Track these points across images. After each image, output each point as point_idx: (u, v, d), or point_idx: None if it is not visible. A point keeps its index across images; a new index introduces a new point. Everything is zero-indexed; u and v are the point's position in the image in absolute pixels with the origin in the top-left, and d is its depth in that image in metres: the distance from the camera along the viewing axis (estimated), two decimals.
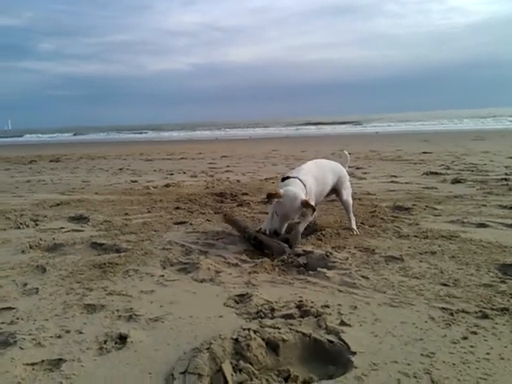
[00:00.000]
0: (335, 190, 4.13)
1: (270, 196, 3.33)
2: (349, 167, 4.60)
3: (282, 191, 3.32)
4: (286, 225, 3.41)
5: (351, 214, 4.07)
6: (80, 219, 4.78)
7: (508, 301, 2.17)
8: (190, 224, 4.34)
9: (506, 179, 6.86)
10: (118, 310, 2.20)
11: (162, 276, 2.73)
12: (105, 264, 3.00)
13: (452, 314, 2.04)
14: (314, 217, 3.87)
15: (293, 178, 3.57)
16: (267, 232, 3.45)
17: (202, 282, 2.63)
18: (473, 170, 8.33)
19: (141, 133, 48.88)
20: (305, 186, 3.50)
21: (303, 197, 3.31)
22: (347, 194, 4.16)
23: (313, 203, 3.51)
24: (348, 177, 4.28)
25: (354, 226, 3.95)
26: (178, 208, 5.35)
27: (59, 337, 1.96)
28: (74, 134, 48.78)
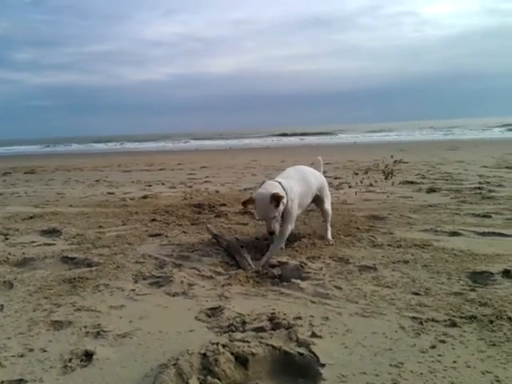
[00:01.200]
0: (317, 198, 4.11)
1: (245, 203, 3.44)
2: (326, 177, 4.61)
3: (253, 195, 3.44)
4: (276, 223, 3.38)
5: (329, 224, 4.09)
6: (52, 233, 4.67)
7: (476, 308, 2.21)
8: (166, 236, 4.28)
9: (479, 188, 7.01)
10: (85, 327, 2.14)
11: (133, 290, 2.68)
12: (75, 279, 2.92)
13: (422, 323, 2.05)
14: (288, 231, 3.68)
15: (270, 180, 3.63)
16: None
17: (174, 295, 2.59)
18: (447, 179, 8.50)
19: (122, 143, 48.37)
20: (283, 187, 3.49)
21: (273, 191, 3.31)
22: (328, 203, 4.18)
23: (292, 216, 3.56)
24: (327, 184, 4.30)
25: (330, 237, 3.96)
26: (154, 220, 5.27)
27: (22, 356, 1.90)
28: (47, 146, 47.84)
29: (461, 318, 2.10)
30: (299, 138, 42.77)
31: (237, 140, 45.37)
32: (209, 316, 2.24)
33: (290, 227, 3.61)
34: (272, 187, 3.42)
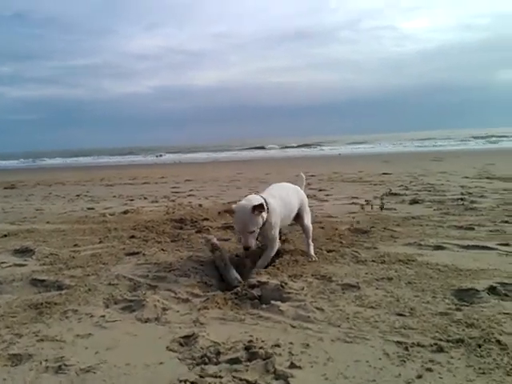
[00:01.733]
0: (297, 215, 4.07)
1: (226, 211, 3.53)
2: (310, 189, 4.54)
3: (233, 206, 3.39)
4: (253, 239, 3.28)
5: (310, 240, 4.00)
6: (25, 252, 4.45)
7: (463, 330, 2.10)
8: (143, 255, 4.10)
9: (461, 199, 7.01)
10: (46, 360, 1.96)
11: (103, 316, 2.51)
12: (42, 304, 2.74)
13: (407, 349, 1.94)
14: (277, 245, 3.71)
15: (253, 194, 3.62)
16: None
17: (146, 321, 2.42)
18: (430, 191, 8.50)
19: (111, 158, 47.83)
20: (265, 201, 3.43)
21: (255, 203, 3.26)
22: (308, 219, 4.12)
23: (275, 231, 3.53)
24: (307, 200, 4.24)
25: (312, 253, 3.86)
26: (132, 237, 5.09)
27: None
28: (29, 160, 46.94)
29: (448, 341, 1.99)
30: (283, 151, 42.94)
31: (222, 153, 45.32)
32: (181, 345, 2.09)
33: (276, 241, 3.61)
34: (254, 199, 3.39)
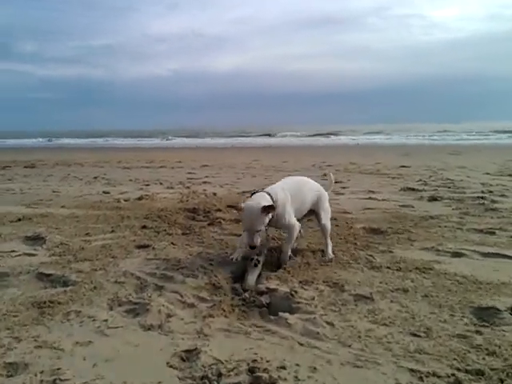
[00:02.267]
0: (313, 212, 3.96)
1: (235, 208, 3.48)
2: (326, 181, 4.40)
3: (242, 205, 3.34)
4: (258, 237, 3.28)
5: (328, 240, 3.91)
6: (36, 240, 4.45)
7: (483, 359, 1.96)
8: (153, 248, 4.05)
9: (482, 197, 6.78)
10: (41, 372, 1.90)
11: (106, 321, 2.44)
12: (45, 303, 2.68)
13: (422, 379, 1.81)
14: (299, 234, 3.79)
15: (260, 191, 3.55)
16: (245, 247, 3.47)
17: (148, 329, 2.35)
18: (450, 187, 8.25)
19: (133, 138, 48.19)
20: (272, 198, 3.42)
21: (264, 203, 3.25)
22: (326, 218, 3.97)
23: (289, 217, 3.49)
24: (328, 198, 4.11)
25: (330, 252, 3.79)
26: (144, 227, 5.05)
27: None
28: (49, 140, 47.55)
29: (466, 372, 1.85)
30: (300, 139, 42.48)
31: (239, 138, 45.10)
32: (183, 360, 2.00)
33: (294, 225, 3.58)
34: (263, 199, 3.35)
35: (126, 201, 7.18)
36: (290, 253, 3.61)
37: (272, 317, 2.49)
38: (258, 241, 3.27)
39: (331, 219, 5.31)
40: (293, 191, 3.68)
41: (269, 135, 49.34)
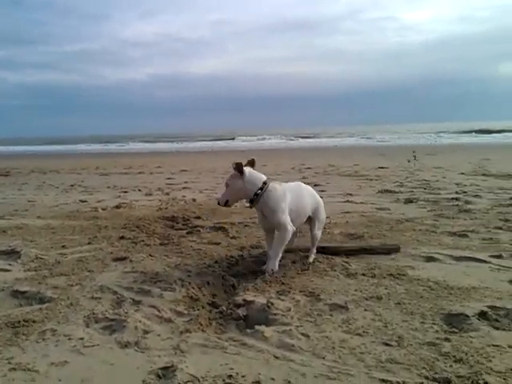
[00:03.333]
0: (310, 219, 3.94)
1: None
2: (306, 183, 4.40)
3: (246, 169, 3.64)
4: (224, 197, 3.66)
5: (314, 249, 3.96)
6: (11, 254, 4.37)
7: (451, 366, 2.03)
8: (130, 261, 4.02)
9: (456, 199, 6.98)
10: None
11: (82, 339, 2.42)
12: (19, 322, 2.64)
13: None
14: (290, 237, 3.60)
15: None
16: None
17: (125, 346, 2.34)
18: (425, 188, 8.45)
19: (107, 143, 47.53)
20: (265, 182, 3.64)
21: (248, 170, 3.64)
22: (319, 228, 3.99)
23: (282, 215, 3.51)
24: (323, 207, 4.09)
25: (311, 260, 3.84)
26: (122, 238, 5.02)
27: None
28: (26, 146, 46.58)
29: (434, 380, 1.91)
30: (280, 141, 42.76)
31: (219, 142, 45.08)
32: (159, 377, 2.01)
33: (285, 227, 3.51)
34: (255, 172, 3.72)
35: (103, 209, 7.12)
36: (278, 260, 3.54)
37: (248, 330, 2.51)
38: (220, 198, 3.67)
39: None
40: (293, 192, 3.69)
41: (232, 139, 49.53)
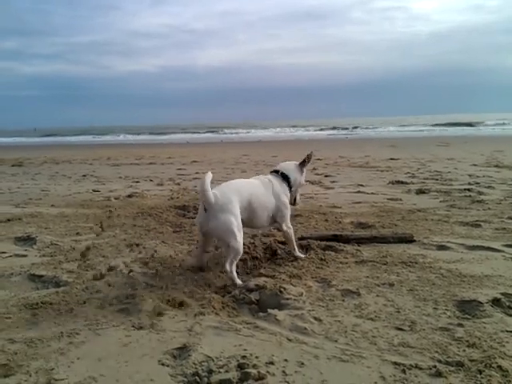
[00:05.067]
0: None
1: None
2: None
3: None
4: None
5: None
6: (27, 240, 4.46)
7: (464, 351, 2.04)
8: (144, 247, 4.08)
9: (468, 189, 6.92)
10: (36, 372, 1.93)
11: (97, 321, 2.48)
12: (37, 304, 2.71)
13: (404, 372, 1.88)
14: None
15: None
16: None
17: (140, 328, 2.39)
18: (437, 179, 8.38)
19: (118, 135, 47.83)
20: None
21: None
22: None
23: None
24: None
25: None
26: (135, 225, 5.08)
27: None
28: (37, 136, 47.13)
29: (447, 363, 1.93)
30: (291, 132, 42.65)
31: (228, 133, 45.08)
32: (174, 358, 2.05)
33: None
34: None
35: (116, 199, 7.19)
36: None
37: (261, 313, 2.55)
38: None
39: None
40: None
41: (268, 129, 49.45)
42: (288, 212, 3.62)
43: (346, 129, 44.43)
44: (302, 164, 3.80)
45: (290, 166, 3.79)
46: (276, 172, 3.74)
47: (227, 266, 3.00)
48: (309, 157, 3.79)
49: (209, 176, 3.12)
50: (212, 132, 48.54)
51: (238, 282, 2.98)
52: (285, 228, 3.56)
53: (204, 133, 48.30)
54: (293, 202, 3.78)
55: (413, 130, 38.66)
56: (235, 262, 3.08)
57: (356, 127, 45.56)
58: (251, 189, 3.42)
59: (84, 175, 11.24)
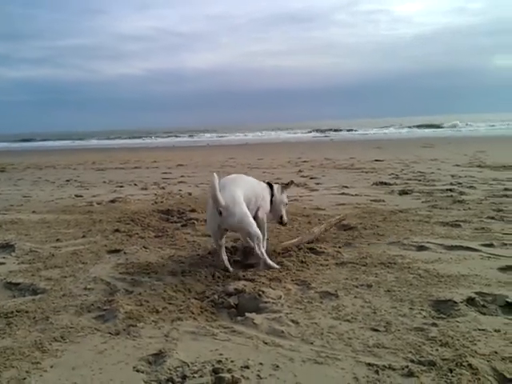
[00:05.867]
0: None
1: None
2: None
3: None
4: None
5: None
6: (5, 248, 4.39)
7: (437, 350, 2.07)
8: (124, 253, 4.05)
9: (450, 190, 7.02)
10: (8, 383, 1.90)
11: (73, 328, 2.45)
12: (12, 312, 2.67)
13: (377, 372, 1.89)
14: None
15: None
16: None
17: (117, 334, 2.37)
18: (420, 180, 8.49)
19: (110, 139, 47.44)
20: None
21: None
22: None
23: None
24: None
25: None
26: (116, 231, 5.04)
27: None
28: (22, 141, 46.63)
29: (419, 363, 1.95)
30: (276, 136, 42.86)
31: (215, 137, 45.10)
32: (150, 363, 2.04)
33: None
34: None
35: (98, 204, 7.13)
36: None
37: (239, 317, 2.55)
38: None
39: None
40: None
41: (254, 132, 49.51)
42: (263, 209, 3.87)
43: (332, 130, 44.81)
44: (284, 187, 4.14)
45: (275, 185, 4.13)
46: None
47: (258, 252, 3.39)
48: (290, 183, 4.19)
49: (216, 179, 3.25)
50: (194, 136, 48.52)
51: (271, 263, 3.43)
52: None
53: (190, 136, 48.22)
54: (280, 220, 4.11)
55: (393, 132, 39.62)
56: (261, 245, 3.45)
57: (339, 130, 45.95)
58: (246, 180, 3.79)
59: (67, 180, 11.13)
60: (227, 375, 1.84)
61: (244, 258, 3.77)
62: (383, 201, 6.45)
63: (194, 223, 5.33)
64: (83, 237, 4.83)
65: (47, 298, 2.95)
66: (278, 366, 1.97)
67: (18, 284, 3.25)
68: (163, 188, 9.08)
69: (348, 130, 44.63)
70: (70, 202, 7.56)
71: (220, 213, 3.23)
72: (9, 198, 8.30)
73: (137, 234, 4.87)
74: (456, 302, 2.58)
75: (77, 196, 8.22)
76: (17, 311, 2.70)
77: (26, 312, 2.69)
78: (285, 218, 4.10)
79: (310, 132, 45.52)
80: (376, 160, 12.85)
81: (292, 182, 4.25)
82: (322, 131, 44.99)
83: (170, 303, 2.79)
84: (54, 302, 2.88)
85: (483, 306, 2.58)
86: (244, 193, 3.49)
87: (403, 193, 7.06)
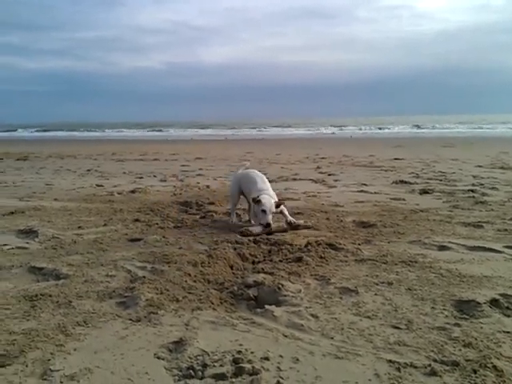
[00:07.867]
0: None
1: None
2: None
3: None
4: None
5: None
6: (29, 233, 4.48)
7: (460, 350, 2.03)
8: (145, 242, 4.10)
9: (472, 190, 6.88)
10: (33, 363, 1.95)
11: (95, 313, 2.49)
12: (36, 296, 2.73)
13: (399, 370, 1.88)
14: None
15: None
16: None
17: (138, 321, 2.40)
18: (441, 180, 8.34)
19: (121, 131, 47.98)
20: None
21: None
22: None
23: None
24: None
25: None
26: (137, 220, 5.10)
27: None
28: (44, 130, 47.58)
29: (442, 363, 1.92)
30: (293, 131, 42.61)
31: (233, 131, 45.09)
32: (170, 351, 2.06)
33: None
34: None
35: (119, 194, 7.22)
36: None
37: (259, 309, 2.55)
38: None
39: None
40: None
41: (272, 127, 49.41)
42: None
43: (353, 127, 44.39)
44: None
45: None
46: None
47: (291, 219, 4.61)
48: (280, 204, 4.68)
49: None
50: (216, 129, 48.61)
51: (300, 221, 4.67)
52: None
53: (207, 129, 48.43)
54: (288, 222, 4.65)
55: (418, 129, 38.69)
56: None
57: (359, 127, 45.44)
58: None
59: (88, 170, 11.30)
60: (247, 365, 1.85)
61: None
62: (403, 199, 6.36)
63: (212, 215, 5.36)
64: (104, 225, 4.90)
65: (70, 283, 3.00)
66: (297, 359, 1.97)
67: (42, 269, 3.31)
68: (182, 180, 9.14)
69: (367, 127, 44.11)
70: (91, 191, 7.68)
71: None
72: (32, 185, 8.47)
73: (156, 224, 4.92)
74: (479, 303, 2.53)
75: (98, 185, 8.34)
76: (41, 295, 2.76)
77: (50, 296, 2.75)
78: (290, 218, 4.70)
79: (328, 128, 45.16)
80: (396, 158, 12.68)
81: (282, 203, 4.79)
82: (340, 127, 44.64)
83: (190, 293, 2.81)
84: (77, 287, 2.93)
85: (507, 307, 2.52)
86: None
87: (424, 192, 6.94)
